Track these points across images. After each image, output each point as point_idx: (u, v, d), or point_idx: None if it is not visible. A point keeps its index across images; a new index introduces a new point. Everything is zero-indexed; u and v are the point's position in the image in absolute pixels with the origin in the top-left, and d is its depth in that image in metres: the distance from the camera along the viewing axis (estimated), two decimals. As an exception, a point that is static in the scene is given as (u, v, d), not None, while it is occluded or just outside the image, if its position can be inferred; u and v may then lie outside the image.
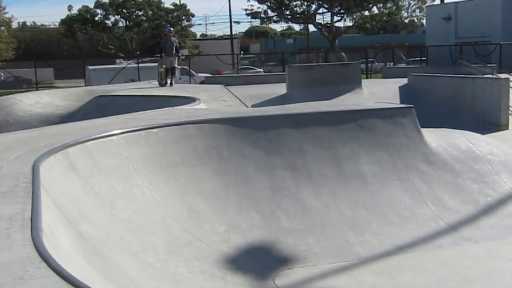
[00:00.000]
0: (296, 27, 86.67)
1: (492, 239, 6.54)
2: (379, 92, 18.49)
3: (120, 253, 4.80)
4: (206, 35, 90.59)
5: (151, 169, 6.24)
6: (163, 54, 17.00)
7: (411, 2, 74.94)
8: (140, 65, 32.01)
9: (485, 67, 21.88)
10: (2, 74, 41.61)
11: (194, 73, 34.98)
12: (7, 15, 47.03)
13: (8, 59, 42.83)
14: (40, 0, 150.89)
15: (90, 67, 36.78)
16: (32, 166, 4.56)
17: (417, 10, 77.24)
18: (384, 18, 52.87)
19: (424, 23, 58.74)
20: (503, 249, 6.35)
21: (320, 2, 50.27)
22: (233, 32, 55.38)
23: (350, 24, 60.74)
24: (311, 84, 17.84)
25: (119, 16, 52.20)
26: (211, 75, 33.05)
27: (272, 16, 52.38)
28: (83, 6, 51.60)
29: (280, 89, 18.32)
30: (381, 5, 53.08)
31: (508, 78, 15.22)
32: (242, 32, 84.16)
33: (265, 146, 7.17)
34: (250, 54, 69.83)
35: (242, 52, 66.08)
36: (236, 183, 6.68)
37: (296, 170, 7.05)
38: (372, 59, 39.78)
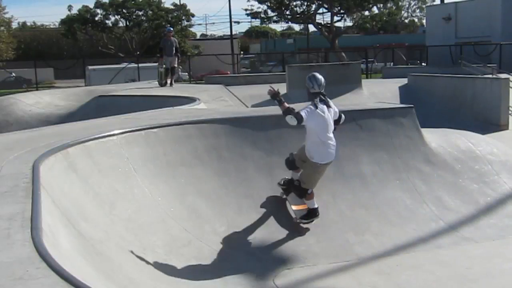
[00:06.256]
0: (296, 27, 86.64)
1: (492, 239, 6.54)
2: (379, 92, 18.49)
3: (120, 253, 4.81)
4: (206, 35, 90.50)
5: (151, 169, 6.23)
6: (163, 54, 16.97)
7: (411, 2, 74.93)
8: (140, 65, 32.06)
9: (485, 67, 21.88)
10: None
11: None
12: (7, 15, 47.14)
13: (8, 59, 42.82)
14: (40, 0, 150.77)
15: (90, 67, 36.78)
16: (32, 166, 4.56)
17: (417, 10, 77.23)
18: (384, 18, 52.91)
19: (424, 23, 58.70)
20: (502, 249, 6.34)
21: (320, 2, 50.29)
22: (233, 32, 55.28)
23: (350, 24, 60.85)
24: (311, 84, 17.79)
25: (119, 16, 52.17)
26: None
27: (272, 16, 52.41)
28: (83, 6, 51.60)
29: (280, 89, 18.27)
30: (381, 5, 53.14)
31: (508, 78, 15.22)
32: (242, 32, 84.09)
33: (265, 146, 7.16)
34: (250, 54, 69.80)
35: (242, 52, 66.03)
36: (236, 183, 6.68)
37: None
38: (372, 59, 39.77)
